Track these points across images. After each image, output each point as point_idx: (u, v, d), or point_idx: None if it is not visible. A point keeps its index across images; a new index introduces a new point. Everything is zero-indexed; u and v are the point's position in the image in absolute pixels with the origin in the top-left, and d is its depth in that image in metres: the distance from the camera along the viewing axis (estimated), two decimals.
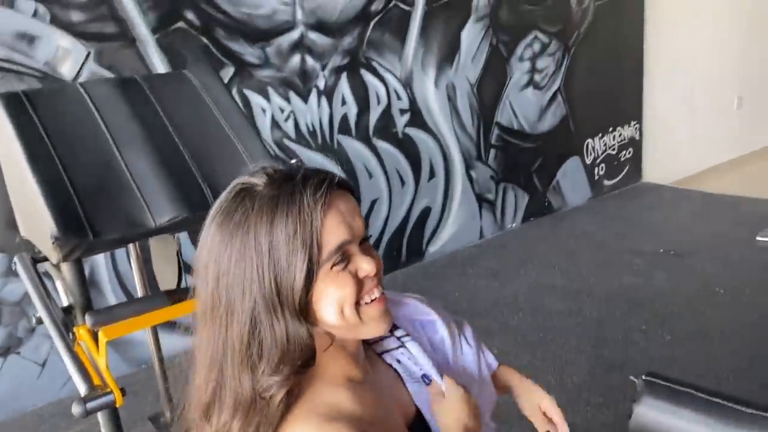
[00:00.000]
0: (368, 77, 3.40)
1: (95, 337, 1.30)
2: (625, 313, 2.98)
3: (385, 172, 3.55)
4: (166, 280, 1.74)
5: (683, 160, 5.00)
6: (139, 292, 1.78)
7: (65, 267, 1.41)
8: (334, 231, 0.73)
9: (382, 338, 0.89)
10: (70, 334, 1.32)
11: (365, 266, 0.75)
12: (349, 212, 0.76)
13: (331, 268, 0.74)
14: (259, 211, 0.72)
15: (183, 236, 2.65)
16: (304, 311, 0.73)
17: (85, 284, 1.45)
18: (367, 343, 0.89)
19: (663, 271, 3.38)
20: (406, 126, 3.59)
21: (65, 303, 1.52)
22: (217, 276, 0.73)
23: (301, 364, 0.74)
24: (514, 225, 4.20)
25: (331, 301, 0.74)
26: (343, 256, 0.74)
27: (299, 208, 0.72)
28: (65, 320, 1.41)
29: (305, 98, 3.19)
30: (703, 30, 4.93)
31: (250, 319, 0.72)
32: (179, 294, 1.42)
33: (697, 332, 2.75)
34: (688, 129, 5.01)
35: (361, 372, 0.82)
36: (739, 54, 5.27)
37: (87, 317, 1.29)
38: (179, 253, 1.67)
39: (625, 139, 4.73)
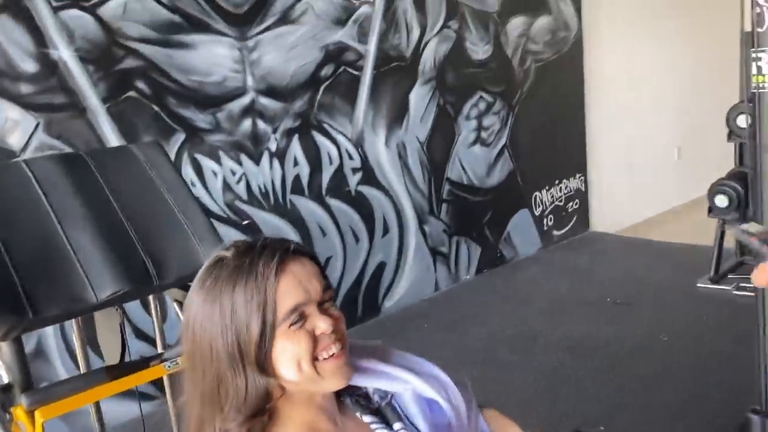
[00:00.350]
0: (320, 138, 3.50)
1: (33, 417, 1.30)
2: (575, 362, 3.06)
3: (339, 230, 3.61)
4: (111, 353, 1.75)
5: (628, 209, 5.19)
6: (81, 367, 1.78)
7: (4, 345, 1.42)
8: (288, 294, 0.83)
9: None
10: (7, 414, 1.33)
11: (321, 325, 0.84)
12: (306, 276, 0.85)
13: (289, 327, 0.83)
14: (225, 278, 0.83)
15: (135, 306, 2.65)
16: (265, 366, 0.83)
17: (25, 362, 1.45)
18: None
19: (610, 319, 3.48)
20: (358, 184, 3.67)
21: (6, 380, 1.52)
22: (193, 334, 0.85)
23: (259, 412, 0.84)
24: (468, 277, 4.28)
25: (289, 357, 0.83)
26: (300, 316, 0.84)
27: (256, 275, 0.83)
28: (3, 399, 1.41)
29: (257, 160, 3.26)
30: (641, 85, 5.20)
31: (217, 372, 0.83)
32: (120, 369, 1.44)
33: (644, 377, 2.84)
34: (632, 180, 5.22)
35: (331, 425, 0.89)
36: (677, 107, 5.56)
37: (23, 398, 1.30)
38: (123, 326, 1.69)
39: (571, 191, 4.90)
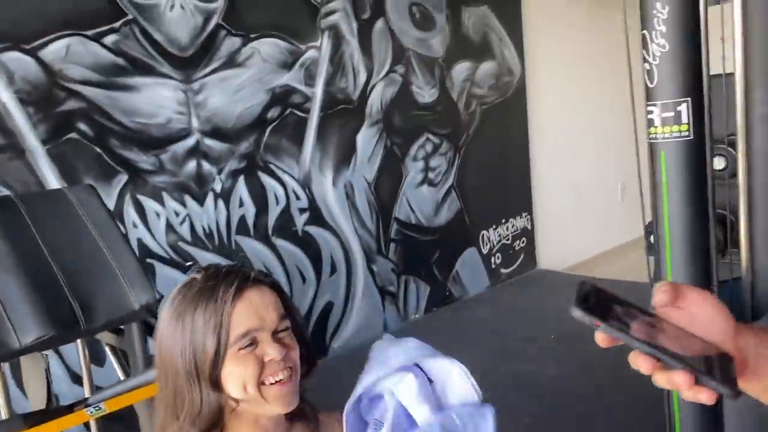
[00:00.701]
0: (266, 179, 3.52)
1: None
2: (517, 401, 3.09)
3: (286, 270, 3.62)
4: (36, 399, 1.72)
5: (574, 247, 5.32)
6: (3, 414, 1.74)
7: None
8: (242, 319, 0.90)
9: None
10: None
11: (270, 352, 0.91)
12: (262, 304, 0.93)
13: (239, 350, 0.90)
14: (190, 299, 0.92)
15: (69, 348, 2.60)
16: (218, 383, 0.90)
17: None
18: None
19: (554, 357, 3.55)
20: (305, 224, 3.70)
21: None
22: (160, 347, 0.94)
23: (209, 425, 0.92)
24: (417, 316, 4.32)
25: (236, 378, 0.91)
26: (251, 341, 0.91)
27: (216, 299, 0.90)
28: None
29: (201, 201, 3.26)
30: (583, 124, 5.40)
31: (176, 385, 0.91)
32: (40, 416, 1.41)
33: (584, 416, 2.89)
34: (577, 217, 5.38)
35: None
36: (620, 145, 5.76)
37: None
38: (48, 372, 1.67)
39: (518, 230, 5.02)
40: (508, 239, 4.95)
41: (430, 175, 4.37)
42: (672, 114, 1.25)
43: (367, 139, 3.97)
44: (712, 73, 1.33)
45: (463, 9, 4.44)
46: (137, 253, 2.97)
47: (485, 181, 4.71)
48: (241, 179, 3.42)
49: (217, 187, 3.32)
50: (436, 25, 4.30)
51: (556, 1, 4.93)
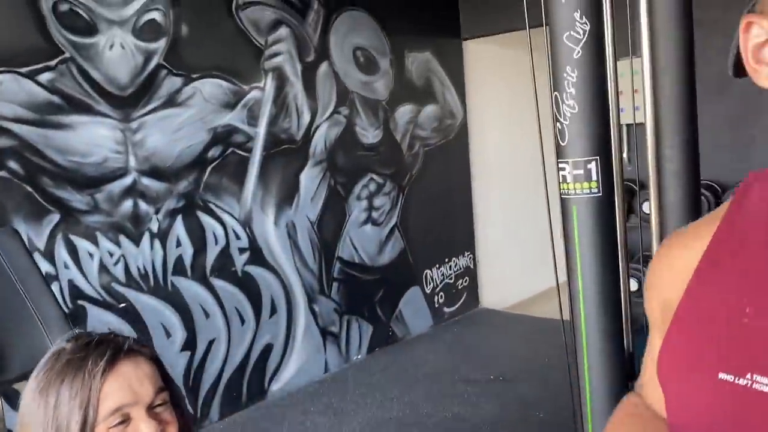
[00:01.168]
0: (205, 218, 3.49)
1: None
2: None
3: (224, 311, 3.56)
4: None
5: (515, 286, 5.41)
6: None
7: None
8: (113, 394, 0.83)
9: None
10: None
11: (144, 429, 0.84)
12: (136, 377, 0.86)
13: (108, 429, 0.83)
14: (57, 371, 0.85)
15: None
16: None
17: None
18: None
19: (491, 398, 3.57)
20: (245, 264, 3.66)
21: None
22: (21, 422, 0.86)
23: None
24: (359, 356, 4.29)
25: None
26: (123, 418, 0.84)
27: (84, 372, 0.83)
28: None
29: (137, 242, 3.20)
30: (521, 166, 5.53)
31: None
32: None
33: None
34: (519, 256, 5.48)
35: None
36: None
37: None
38: None
39: (461, 269, 5.08)
40: (451, 278, 5.00)
41: (374, 214, 4.40)
42: (582, 171, 1.32)
43: (310, 178, 3.98)
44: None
45: (407, 54, 4.55)
46: (68, 295, 2.90)
47: (429, 221, 4.78)
48: (179, 219, 3.37)
49: (154, 226, 3.27)
50: (380, 69, 4.38)
51: (494, 48, 5.10)
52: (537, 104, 1.57)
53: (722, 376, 0.58)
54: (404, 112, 4.56)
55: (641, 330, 1.67)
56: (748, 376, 0.56)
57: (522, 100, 5.43)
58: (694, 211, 1.65)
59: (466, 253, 5.13)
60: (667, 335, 0.65)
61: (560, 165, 1.35)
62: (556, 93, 1.31)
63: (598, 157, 1.31)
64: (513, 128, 5.39)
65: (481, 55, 5.09)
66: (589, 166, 1.31)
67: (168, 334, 3.33)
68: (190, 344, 3.42)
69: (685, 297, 0.64)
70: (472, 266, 5.19)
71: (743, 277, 0.60)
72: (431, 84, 4.76)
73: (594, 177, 1.32)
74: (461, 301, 5.09)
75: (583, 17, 1.23)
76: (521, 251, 5.49)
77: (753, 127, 3.93)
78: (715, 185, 3.94)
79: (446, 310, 4.97)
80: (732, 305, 0.60)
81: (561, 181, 1.37)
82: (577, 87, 1.27)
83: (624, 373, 1.51)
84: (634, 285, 3.81)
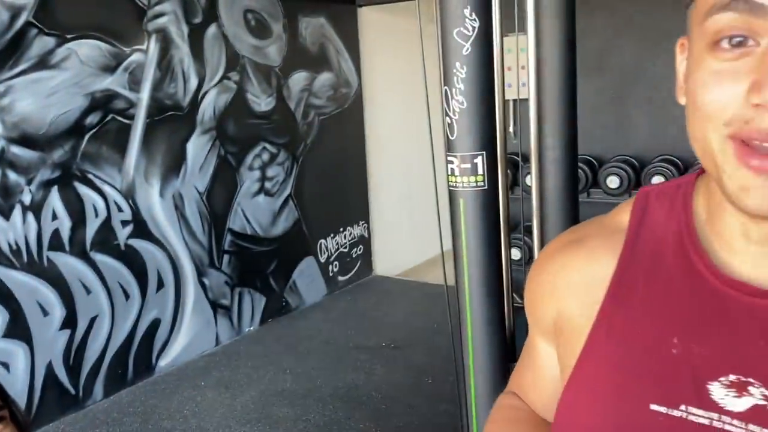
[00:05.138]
0: (84, 190, 3.28)
1: None
2: (347, 414, 3.16)
3: (106, 287, 3.39)
4: None
5: (407, 253, 5.53)
6: None
7: None
8: None
9: None
10: None
11: None
12: None
13: None
14: None
15: None
16: None
17: None
18: None
19: (383, 365, 3.66)
20: (129, 237, 3.49)
21: None
22: None
23: None
24: (251, 328, 4.25)
25: None
26: None
27: None
28: None
29: (6, 215, 2.96)
30: (415, 136, 5.61)
31: None
32: None
33: (407, 426, 3.01)
34: (410, 224, 5.58)
35: None
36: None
37: None
38: None
39: (355, 238, 5.12)
40: (345, 247, 5.03)
41: (267, 184, 4.32)
42: (469, 165, 1.35)
43: (198, 147, 3.83)
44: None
45: (300, 19, 4.43)
46: None
47: (323, 191, 4.75)
48: (55, 190, 3.15)
49: (26, 198, 3.03)
50: (273, 34, 4.25)
51: (389, 17, 5.07)
52: (425, 76, 1.57)
53: (654, 407, 0.57)
54: (298, 79, 4.46)
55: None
56: (682, 407, 0.56)
57: (418, 70, 5.48)
58: (572, 185, 1.74)
59: (361, 222, 5.16)
60: (581, 362, 0.63)
61: (449, 158, 1.38)
62: (446, 87, 1.32)
63: (484, 152, 1.35)
64: (409, 98, 5.43)
65: (377, 23, 5.05)
66: (475, 160, 1.34)
67: (45, 312, 3.13)
68: (70, 322, 3.24)
69: (599, 322, 0.63)
70: (366, 235, 5.23)
71: (665, 304, 0.59)
72: (326, 51, 4.67)
73: (480, 171, 1.35)
74: (355, 269, 5.14)
75: (473, 14, 1.24)
76: (414, 219, 5.60)
77: (629, 103, 4.17)
78: (593, 160, 4.17)
79: (340, 278, 5.00)
80: (656, 334, 0.59)
81: (449, 173, 1.39)
82: (466, 83, 1.29)
83: (504, 336, 1.59)
84: (516, 254, 4.00)
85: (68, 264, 3.22)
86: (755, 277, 0.56)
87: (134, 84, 3.46)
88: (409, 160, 5.49)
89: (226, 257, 4.06)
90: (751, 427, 0.53)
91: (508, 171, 1.91)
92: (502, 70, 1.34)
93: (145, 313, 3.59)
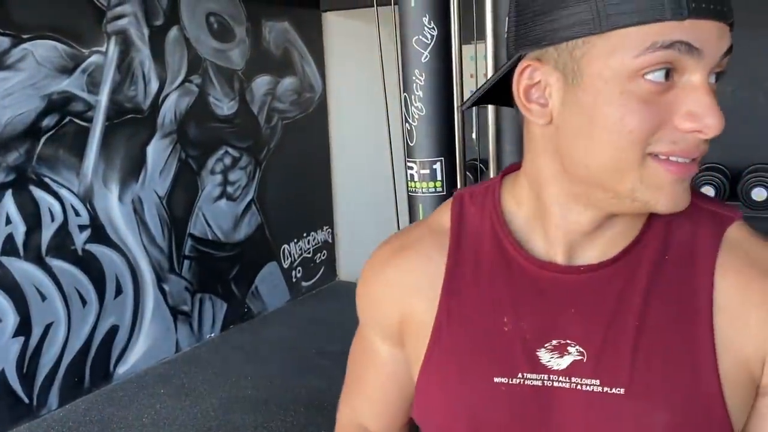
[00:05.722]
0: (39, 193, 3.20)
1: None
2: (308, 420, 3.14)
3: (63, 293, 3.32)
4: None
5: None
6: None
7: None
8: None
9: None
10: None
11: None
12: None
13: None
14: None
15: None
16: None
17: None
18: None
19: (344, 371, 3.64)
20: (86, 242, 3.42)
21: None
22: None
23: None
24: (212, 335, 4.20)
25: None
26: None
27: None
28: None
29: None
30: (381, 141, 5.62)
31: None
32: None
33: None
34: (375, 230, 5.57)
35: None
36: None
37: None
38: None
39: (319, 243, 5.10)
40: (309, 252, 5.00)
41: (229, 189, 4.28)
42: (428, 171, 1.36)
43: (158, 150, 3.77)
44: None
45: (264, 23, 4.41)
46: None
47: (287, 195, 4.73)
48: (9, 194, 3.07)
49: None
50: (236, 37, 4.22)
51: (354, 23, 5.09)
52: (384, 82, 1.58)
53: (497, 379, 0.66)
54: (261, 83, 4.44)
55: None
56: (519, 375, 0.66)
57: (380, 74, 5.50)
58: None
59: (325, 228, 5.15)
60: (429, 350, 0.71)
61: (408, 164, 1.39)
62: (405, 94, 1.33)
63: (442, 158, 1.36)
64: (373, 103, 5.44)
65: (342, 29, 5.05)
66: (434, 166, 1.36)
67: None
68: (23, 329, 3.15)
69: (440, 313, 0.70)
70: (330, 240, 5.22)
71: (491, 289, 0.69)
72: (290, 55, 4.66)
73: (439, 177, 1.37)
74: (319, 275, 5.12)
75: (432, 22, 1.25)
76: (379, 224, 5.60)
77: None
78: None
79: (304, 284, 4.98)
80: (489, 316, 0.68)
81: (409, 179, 1.40)
82: (425, 90, 1.30)
83: None
84: None
85: (22, 269, 3.14)
86: (562, 259, 0.67)
87: (93, 86, 3.40)
88: (373, 165, 5.49)
89: (186, 263, 4.00)
90: (573, 379, 0.65)
91: (469, 176, 1.93)
92: (460, 77, 1.36)
93: (102, 320, 3.51)
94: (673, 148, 0.57)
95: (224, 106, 4.18)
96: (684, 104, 0.56)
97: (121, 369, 3.63)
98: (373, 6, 1.56)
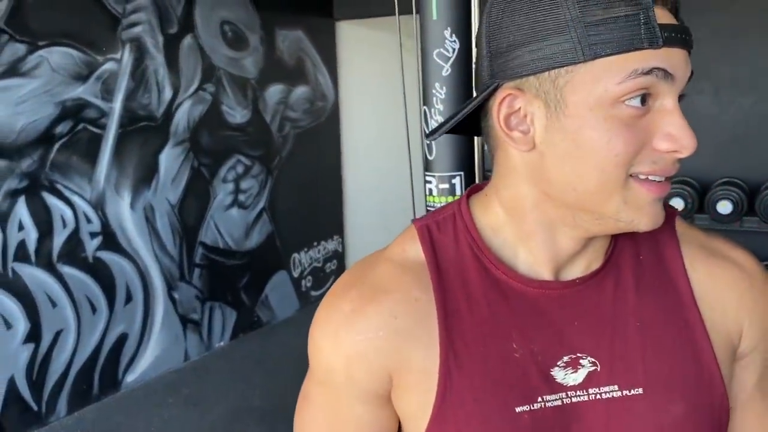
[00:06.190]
0: (52, 200, 3.20)
1: None
2: None
3: (73, 300, 3.31)
4: None
5: None
6: None
7: None
8: None
9: None
10: None
11: None
12: None
13: None
14: None
15: None
16: None
17: None
18: None
19: None
20: (97, 250, 3.42)
21: None
22: None
23: None
24: (222, 343, 4.18)
25: None
26: None
27: None
28: None
29: None
30: (393, 152, 5.61)
31: None
32: None
33: None
34: (385, 241, 5.54)
35: None
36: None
37: None
38: None
39: (329, 252, 5.08)
40: (319, 262, 4.98)
41: (241, 197, 4.27)
42: (447, 186, 1.34)
43: (171, 158, 3.77)
44: None
45: (277, 31, 4.42)
46: None
47: (298, 204, 4.71)
48: (22, 200, 3.07)
49: None
50: (249, 46, 4.22)
51: (368, 32, 5.09)
52: (404, 94, 1.56)
53: (518, 409, 0.64)
54: (274, 92, 4.44)
55: None
56: (539, 399, 0.65)
57: (395, 85, 5.49)
58: None
59: (335, 237, 5.13)
60: (442, 397, 0.65)
61: (427, 178, 1.37)
62: (425, 107, 1.31)
63: (462, 173, 1.34)
64: (386, 113, 5.43)
65: (355, 38, 5.05)
66: (453, 180, 1.34)
67: (8, 325, 3.04)
68: (34, 336, 3.15)
69: (445, 354, 0.65)
70: (340, 250, 5.20)
71: (490, 316, 0.67)
72: (303, 64, 4.66)
73: (458, 191, 1.35)
74: (328, 284, 5.10)
75: (453, 35, 1.23)
76: (390, 236, 5.57)
77: None
78: None
79: (313, 293, 4.95)
80: (498, 347, 0.66)
81: (427, 193, 1.38)
82: (445, 103, 1.28)
83: None
84: None
85: (34, 276, 3.14)
86: (551, 277, 0.68)
87: (107, 93, 3.40)
88: (385, 176, 5.48)
89: (197, 271, 3.99)
90: (590, 390, 0.65)
91: None
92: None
93: (112, 327, 3.50)
94: (653, 168, 0.61)
95: (237, 114, 4.18)
96: (661, 127, 0.60)
97: (130, 377, 3.62)
98: (393, 15, 1.55)
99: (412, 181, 1.45)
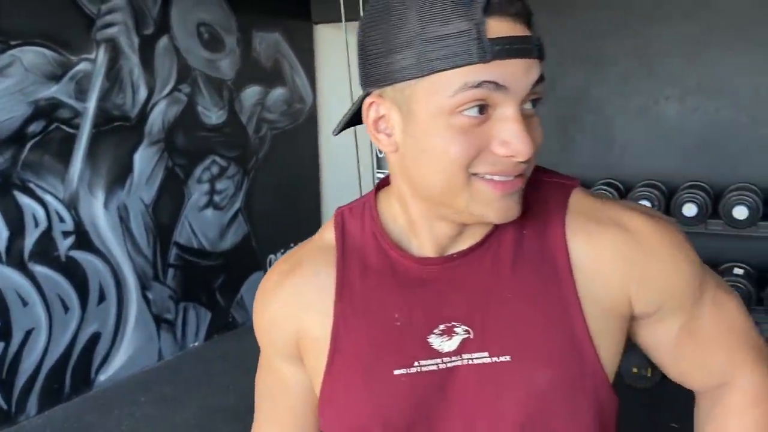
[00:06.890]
0: (23, 199, 3.20)
1: None
2: None
3: (44, 299, 3.31)
4: None
5: None
6: None
7: None
8: None
9: None
10: None
11: None
12: None
13: None
14: None
15: None
16: None
17: None
18: None
19: None
20: (70, 249, 3.42)
21: None
22: None
23: None
24: (196, 344, 4.18)
25: None
26: None
27: None
28: None
29: None
30: (368, 154, 5.65)
31: None
32: None
33: None
34: None
35: None
36: None
37: None
38: None
39: None
40: None
41: (216, 198, 4.28)
42: None
43: (145, 158, 3.78)
44: None
45: (254, 33, 4.44)
46: None
47: (275, 205, 4.73)
48: None
49: None
50: (226, 47, 4.24)
51: (346, 35, 5.12)
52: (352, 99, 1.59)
53: (396, 372, 0.72)
54: (251, 93, 4.46)
55: None
56: (416, 364, 0.72)
57: None
58: None
59: None
60: (331, 360, 0.76)
61: (378, 174, 1.40)
62: None
63: None
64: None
65: (333, 41, 5.08)
66: None
67: None
68: (3, 334, 3.14)
69: (336, 322, 0.76)
70: None
71: (380, 291, 0.75)
72: (280, 66, 4.69)
73: None
74: None
75: None
76: None
77: (575, 127, 4.29)
78: None
79: None
80: (382, 317, 0.74)
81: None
82: None
83: None
84: None
85: (4, 275, 3.13)
86: (439, 255, 0.74)
87: (81, 93, 3.41)
88: (362, 176, 5.52)
89: (171, 271, 4.00)
90: (464, 356, 0.71)
91: None
92: None
93: (84, 327, 3.50)
94: (493, 169, 0.65)
95: (213, 115, 4.20)
96: (498, 133, 0.64)
97: (103, 376, 3.62)
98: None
99: (360, 178, 1.47)
